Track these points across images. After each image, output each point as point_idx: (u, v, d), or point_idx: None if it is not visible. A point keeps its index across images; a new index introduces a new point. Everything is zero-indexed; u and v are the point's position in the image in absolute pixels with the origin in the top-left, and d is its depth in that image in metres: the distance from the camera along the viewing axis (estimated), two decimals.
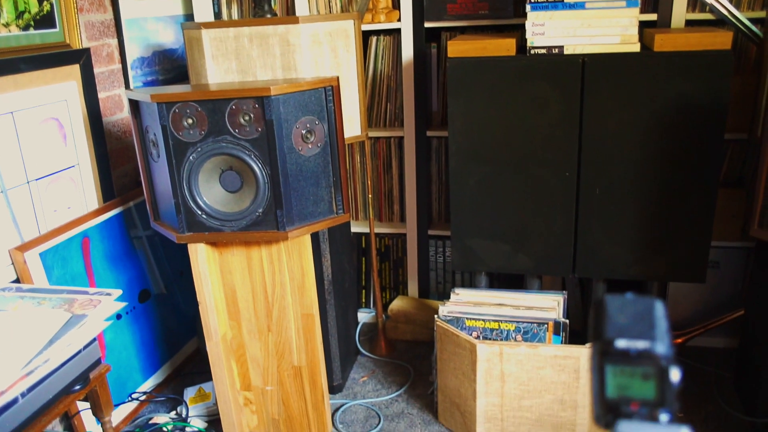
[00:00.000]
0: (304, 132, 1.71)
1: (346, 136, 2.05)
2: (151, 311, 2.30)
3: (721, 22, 2.11)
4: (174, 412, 2.19)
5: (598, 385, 0.56)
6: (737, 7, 2.10)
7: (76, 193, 2.02)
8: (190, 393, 2.19)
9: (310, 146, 1.73)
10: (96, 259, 2.05)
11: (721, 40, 1.77)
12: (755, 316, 2.08)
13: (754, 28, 2.09)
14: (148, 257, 2.29)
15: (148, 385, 2.28)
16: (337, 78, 1.73)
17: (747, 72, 2.18)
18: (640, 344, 0.56)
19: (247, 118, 1.65)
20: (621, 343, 0.57)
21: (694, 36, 1.79)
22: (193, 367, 2.49)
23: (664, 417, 0.53)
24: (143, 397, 2.20)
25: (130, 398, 2.15)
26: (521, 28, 2.21)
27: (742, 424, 2.01)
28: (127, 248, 2.19)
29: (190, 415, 2.14)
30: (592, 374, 0.58)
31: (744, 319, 2.23)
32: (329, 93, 1.72)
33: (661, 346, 0.56)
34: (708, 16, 2.12)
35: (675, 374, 0.56)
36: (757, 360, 1.99)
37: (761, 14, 2.08)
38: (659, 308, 0.59)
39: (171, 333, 2.42)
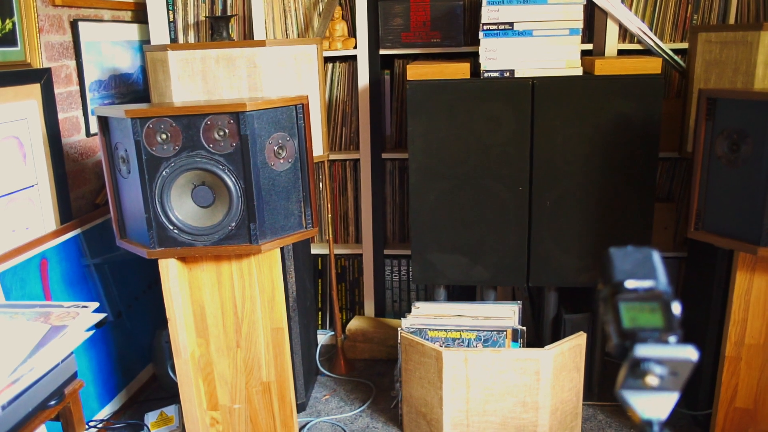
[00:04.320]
0: (276, 148, 1.76)
1: None
2: (108, 337, 2.25)
3: (648, 51, 2.34)
4: None
5: (614, 320, 0.65)
6: (661, 38, 2.34)
7: (35, 214, 1.98)
8: (151, 418, 2.15)
9: (281, 161, 1.78)
10: (54, 282, 2.00)
11: (653, 66, 1.98)
12: (689, 318, 2.26)
13: (676, 58, 2.33)
14: (104, 282, 2.25)
15: (105, 412, 2.21)
16: (307, 97, 1.81)
17: (671, 97, 2.42)
18: (647, 283, 0.66)
19: (221, 133, 1.69)
20: (630, 284, 0.66)
21: (629, 61, 1.99)
22: (150, 393, 2.43)
23: (672, 339, 0.63)
24: (101, 425, 2.14)
25: (88, 426, 2.08)
26: (471, 55, 2.37)
27: (684, 418, 2.16)
28: (84, 272, 2.15)
29: None
30: (606, 314, 0.67)
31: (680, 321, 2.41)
32: (300, 110, 1.80)
33: (663, 285, 0.66)
34: (637, 46, 2.35)
35: (676, 307, 0.66)
36: None
37: (683, 45, 2.32)
38: (656, 256, 0.69)
39: (127, 359, 2.36)
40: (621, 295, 0.66)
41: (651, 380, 0.63)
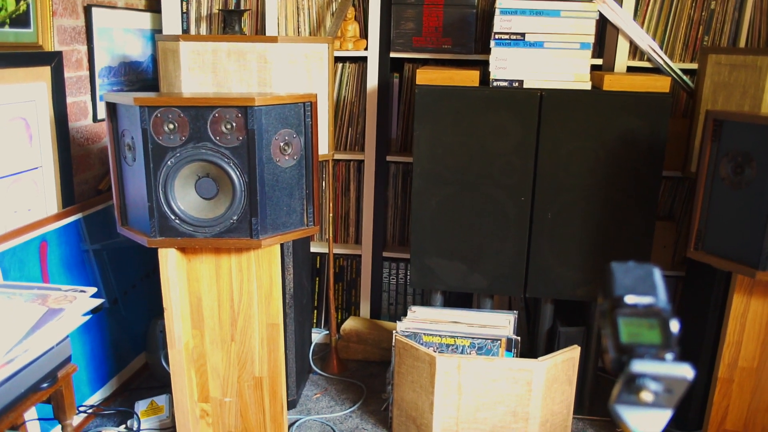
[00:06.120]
0: (282, 144, 1.77)
1: None
2: (103, 323, 2.25)
3: (657, 70, 2.35)
4: (124, 426, 2.13)
5: (612, 334, 0.66)
6: (671, 58, 2.35)
7: (37, 196, 1.99)
8: (141, 406, 2.14)
9: (286, 158, 1.79)
10: (52, 264, 2.00)
11: (661, 84, 1.98)
12: (684, 337, 2.26)
13: (685, 78, 2.34)
14: (101, 268, 2.25)
15: (96, 398, 2.21)
16: (316, 95, 1.81)
17: (678, 117, 2.42)
18: (646, 300, 0.67)
19: (229, 126, 1.70)
20: (630, 299, 0.67)
21: (638, 78, 2.00)
22: (141, 382, 2.43)
23: (669, 356, 0.63)
24: (91, 411, 2.13)
25: (78, 411, 2.08)
26: (480, 63, 2.38)
27: None
28: (83, 256, 2.15)
29: (141, 428, 2.09)
30: (604, 328, 0.68)
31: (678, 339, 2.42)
32: (308, 108, 1.80)
33: (663, 302, 0.67)
34: (646, 64, 2.36)
35: (674, 325, 0.66)
36: None
37: (692, 66, 2.33)
38: (657, 273, 0.70)
39: (120, 346, 2.36)
40: (620, 310, 0.66)
41: (645, 396, 0.63)
